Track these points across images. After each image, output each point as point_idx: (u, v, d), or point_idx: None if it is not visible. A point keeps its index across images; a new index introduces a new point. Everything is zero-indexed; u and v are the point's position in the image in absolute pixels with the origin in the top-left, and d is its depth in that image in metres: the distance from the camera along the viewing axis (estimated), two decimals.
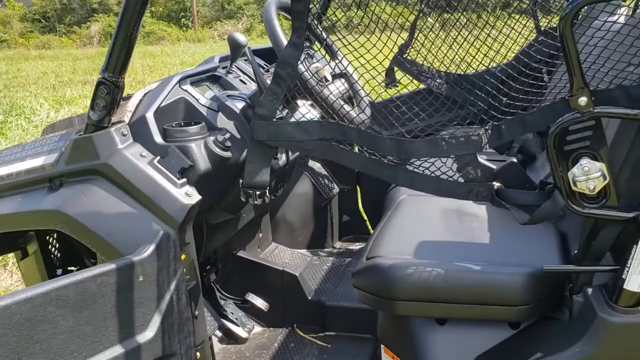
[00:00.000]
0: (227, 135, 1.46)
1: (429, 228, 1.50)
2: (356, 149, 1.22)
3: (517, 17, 1.49)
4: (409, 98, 1.35)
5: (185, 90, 1.56)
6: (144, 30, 23.37)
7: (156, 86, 1.56)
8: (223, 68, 1.82)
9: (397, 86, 2.31)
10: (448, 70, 2.12)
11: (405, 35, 2.00)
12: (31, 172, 1.42)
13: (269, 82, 1.20)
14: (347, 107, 1.37)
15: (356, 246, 2.36)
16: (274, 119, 1.20)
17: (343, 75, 1.78)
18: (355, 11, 1.15)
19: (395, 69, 2.32)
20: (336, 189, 2.41)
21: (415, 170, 1.17)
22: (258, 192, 1.26)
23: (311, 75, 1.30)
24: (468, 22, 1.40)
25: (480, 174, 1.11)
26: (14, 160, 1.49)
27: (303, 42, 1.12)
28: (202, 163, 1.40)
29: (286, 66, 1.15)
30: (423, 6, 2.15)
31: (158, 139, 1.40)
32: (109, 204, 1.31)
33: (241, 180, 1.28)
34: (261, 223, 2.10)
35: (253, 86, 1.73)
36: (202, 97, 1.57)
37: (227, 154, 1.44)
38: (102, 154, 1.34)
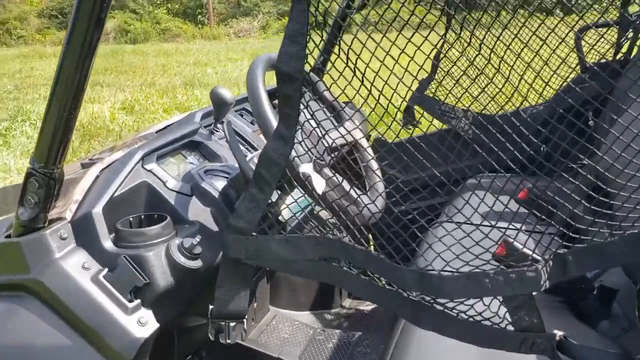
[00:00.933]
0: (197, 239, 1.14)
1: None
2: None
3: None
4: (429, 139, 1.07)
5: (149, 171, 1.25)
6: (159, 27, 23.23)
7: (117, 161, 1.27)
8: (205, 127, 1.53)
9: (417, 126, 2.04)
10: (472, 110, 1.83)
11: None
12: None
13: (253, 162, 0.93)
14: (352, 192, 1.08)
15: (367, 307, 2.07)
16: (254, 234, 0.92)
17: (352, 146, 1.45)
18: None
19: (416, 107, 2.06)
20: None
21: (446, 311, 0.87)
22: (232, 324, 0.99)
23: (305, 178, 0.99)
24: (500, 52, 1.11)
25: (537, 321, 0.82)
26: None
27: (294, 134, 0.85)
28: (162, 279, 1.10)
29: (271, 167, 0.87)
30: (447, 35, 1.86)
31: (107, 244, 1.11)
32: (38, 333, 1.04)
33: (211, 307, 1.01)
34: (257, 290, 1.81)
35: (244, 151, 1.46)
36: (170, 178, 1.28)
37: (196, 263, 1.15)
38: (32, 265, 1.04)
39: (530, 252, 1.00)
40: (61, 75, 0.98)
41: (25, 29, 24.40)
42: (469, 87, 1.06)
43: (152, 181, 1.25)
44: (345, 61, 0.84)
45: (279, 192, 1.15)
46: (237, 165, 1.33)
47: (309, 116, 0.87)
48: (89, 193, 1.19)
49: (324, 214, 1.35)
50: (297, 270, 0.92)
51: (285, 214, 1.15)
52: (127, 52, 16.37)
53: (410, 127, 2.02)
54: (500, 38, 0.94)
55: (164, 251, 1.12)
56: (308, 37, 0.80)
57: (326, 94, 1.35)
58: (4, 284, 1.08)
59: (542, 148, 0.93)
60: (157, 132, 1.55)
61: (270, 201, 0.91)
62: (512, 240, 0.96)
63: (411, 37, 0.83)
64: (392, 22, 0.83)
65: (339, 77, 0.83)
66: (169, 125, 1.61)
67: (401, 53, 0.84)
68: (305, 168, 0.97)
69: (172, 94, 8.54)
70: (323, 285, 2.00)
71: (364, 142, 1.48)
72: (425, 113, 2.06)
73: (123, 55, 15.32)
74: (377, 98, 0.84)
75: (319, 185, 0.99)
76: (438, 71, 1.95)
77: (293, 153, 0.87)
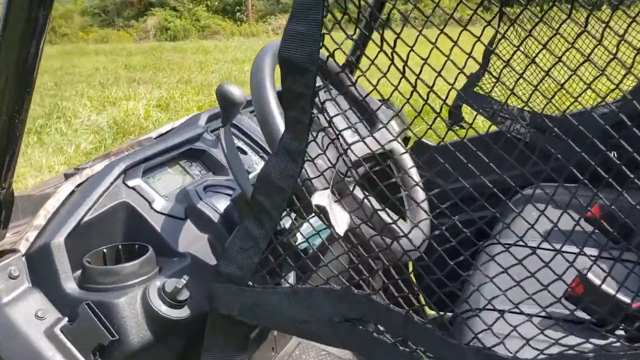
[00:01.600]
0: (184, 279, 0.88)
1: None
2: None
3: None
4: (478, 143, 0.84)
5: (132, 189, 1.01)
6: (198, 25, 23.33)
7: (94, 175, 1.03)
8: (212, 132, 1.29)
9: (464, 127, 1.81)
10: (532, 109, 1.58)
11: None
12: None
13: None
14: (385, 217, 0.79)
15: None
16: (250, 283, 0.70)
17: (386, 156, 1.14)
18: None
19: (462, 106, 1.82)
20: None
21: None
22: None
23: (320, 211, 0.69)
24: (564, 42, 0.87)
25: None
26: None
27: (305, 147, 0.62)
28: (135, 335, 0.85)
29: (273, 192, 0.66)
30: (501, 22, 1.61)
31: (69, 284, 0.88)
32: None
33: None
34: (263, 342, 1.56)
35: (255, 161, 1.23)
36: (158, 197, 1.03)
37: (181, 313, 0.89)
38: None
39: (612, 292, 0.77)
40: None
41: (69, 27, 24.83)
42: (538, 83, 0.83)
43: (133, 201, 1.01)
44: (381, 47, 0.61)
45: (284, 225, 0.92)
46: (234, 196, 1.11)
47: (325, 123, 0.64)
48: (55, 216, 0.95)
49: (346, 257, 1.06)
50: (309, 333, 0.70)
51: (292, 256, 0.88)
52: (167, 49, 16.42)
53: (457, 127, 1.78)
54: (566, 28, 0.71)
55: (139, 296, 0.88)
56: (325, 10, 0.57)
57: (352, 90, 1.10)
58: None
59: (612, 154, 0.70)
60: (156, 137, 1.32)
61: (271, 239, 0.69)
62: (589, 273, 0.73)
63: (466, 24, 0.61)
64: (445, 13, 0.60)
65: (369, 67, 0.61)
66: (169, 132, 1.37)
67: (454, 45, 0.61)
68: (321, 197, 0.70)
69: (208, 92, 8.43)
70: None
71: (400, 147, 1.22)
72: (471, 112, 1.82)
73: (162, 53, 15.35)
74: (424, 95, 0.61)
75: (341, 220, 0.72)
76: (490, 64, 1.71)
77: (304, 173, 0.64)
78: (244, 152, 1.27)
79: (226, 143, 0.99)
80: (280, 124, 0.87)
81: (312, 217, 0.71)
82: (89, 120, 6.66)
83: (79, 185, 1.02)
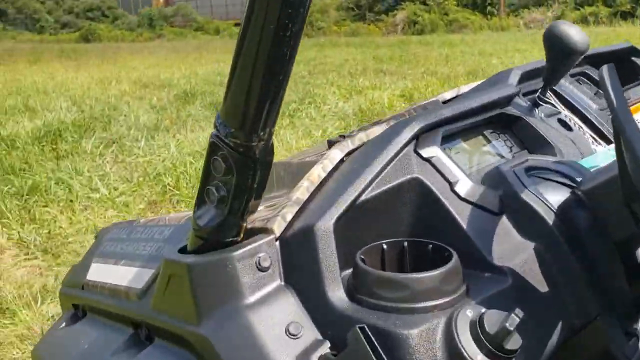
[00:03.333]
0: (519, 315, 0.56)
1: None
2: None
3: None
4: None
5: (426, 160, 0.74)
6: (447, 18, 23.10)
7: (373, 139, 0.79)
8: (526, 96, 0.97)
9: None
10: None
11: None
12: (114, 294, 0.83)
13: None
14: None
15: None
16: None
17: None
18: None
19: None
20: None
21: None
22: None
23: None
24: None
25: None
26: (117, 255, 0.90)
27: None
28: None
29: None
30: None
31: (336, 291, 0.62)
32: None
33: None
34: None
35: (583, 142, 0.91)
36: (462, 176, 0.74)
37: None
38: (203, 311, 0.63)
39: None
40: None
41: (325, 21, 26.52)
42: None
43: (429, 179, 0.72)
44: None
45: None
46: (585, 163, 0.78)
47: None
48: (319, 190, 0.73)
49: None
50: None
51: None
52: (413, 42, 16.57)
53: None
54: None
55: (441, 330, 0.57)
56: None
57: None
58: (171, 329, 0.69)
59: None
60: (444, 102, 1.04)
61: None
62: None
63: None
64: None
65: None
66: (460, 96, 1.06)
67: None
68: None
69: (454, 83, 8.24)
70: None
71: None
72: None
73: (409, 45, 15.51)
74: None
75: None
76: None
77: None
78: (569, 128, 0.97)
79: (613, 89, 0.58)
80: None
81: None
82: (337, 107, 6.93)
83: (350, 152, 0.80)
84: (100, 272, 0.89)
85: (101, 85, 9.68)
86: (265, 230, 0.67)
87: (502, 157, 0.86)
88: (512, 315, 0.55)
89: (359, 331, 0.54)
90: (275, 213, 0.69)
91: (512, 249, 0.69)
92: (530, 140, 0.89)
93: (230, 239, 0.65)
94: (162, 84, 9.58)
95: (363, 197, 0.69)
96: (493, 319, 0.56)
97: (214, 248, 0.65)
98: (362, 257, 0.65)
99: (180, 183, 4.11)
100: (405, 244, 0.68)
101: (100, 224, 3.37)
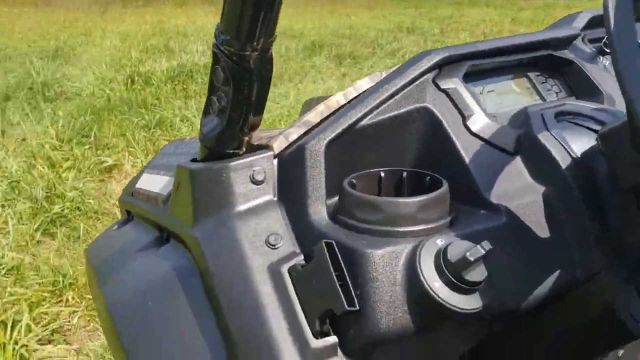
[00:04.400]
0: (486, 246, 0.54)
1: None
2: None
3: None
4: None
5: (442, 92, 0.70)
6: None
7: (400, 66, 0.73)
8: (591, 42, 0.86)
9: None
10: None
11: None
12: (148, 199, 0.88)
13: None
14: None
15: None
16: None
17: None
18: None
19: None
20: None
21: None
22: None
23: None
24: None
25: None
26: (161, 167, 0.96)
27: None
28: (383, 314, 0.55)
29: None
30: None
31: (318, 209, 0.63)
32: (179, 300, 0.67)
33: None
34: None
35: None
36: (478, 111, 0.70)
37: (466, 302, 0.54)
38: (198, 213, 0.67)
39: None
40: None
41: None
42: None
43: (440, 110, 0.68)
44: None
45: None
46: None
47: None
48: (333, 115, 0.70)
49: None
50: None
51: None
52: (559, 6, 15.47)
53: None
54: None
55: (405, 255, 0.57)
56: None
57: None
58: (176, 230, 0.74)
59: None
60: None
61: None
62: None
63: None
64: None
65: None
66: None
67: None
68: None
69: None
70: None
71: None
72: None
73: (554, 10, 14.52)
74: None
75: None
76: None
77: None
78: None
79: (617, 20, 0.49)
80: None
81: None
82: None
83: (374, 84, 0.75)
84: (146, 181, 0.96)
85: None
86: (266, 147, 0.69)
87: (546, 100, 0.79)
88: (478, 247, 0.53)
89: (324, 245, 0.57)
90: (280, 132, 0.70)
91: (518, 190, 0.65)
92: (582, 87, 0.80)
93: (232, 151, 0.67)
94: (293, 34, 9.75)
95: (364, 122, 0.67)
96: (458, 249, 0.55)
97: (217, 158, 0.67)
98: (354, 181, 0.65)
99: None
100: (405, 174, 0.67)
101: None
